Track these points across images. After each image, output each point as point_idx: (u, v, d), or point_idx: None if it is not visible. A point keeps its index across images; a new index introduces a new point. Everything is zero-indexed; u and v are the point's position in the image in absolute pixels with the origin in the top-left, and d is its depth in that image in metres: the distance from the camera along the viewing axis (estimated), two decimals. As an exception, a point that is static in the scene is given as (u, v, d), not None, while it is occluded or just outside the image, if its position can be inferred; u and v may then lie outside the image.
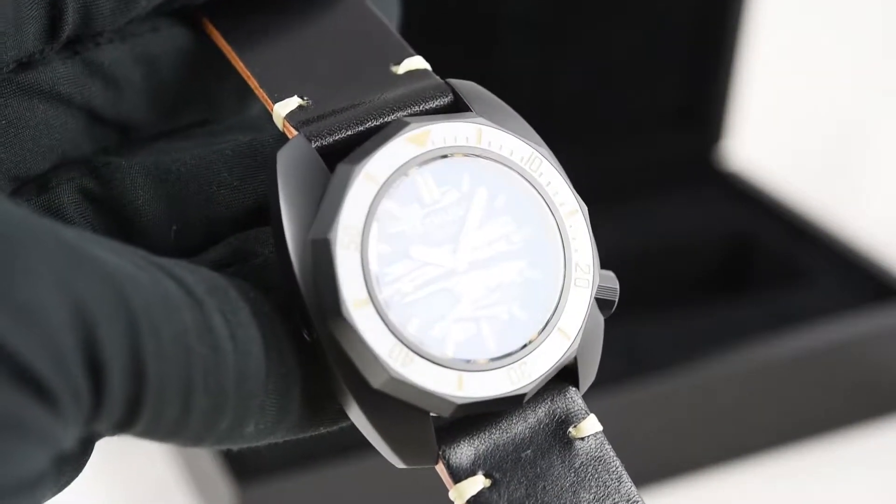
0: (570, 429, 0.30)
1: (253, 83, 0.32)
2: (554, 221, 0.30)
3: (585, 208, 0.30)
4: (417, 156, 0.29)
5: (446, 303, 0.29)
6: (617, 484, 0.30)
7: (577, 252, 0.30)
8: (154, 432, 0.26)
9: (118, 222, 0.31)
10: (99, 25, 0.31)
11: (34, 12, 0.29)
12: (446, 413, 0.28)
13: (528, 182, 0.30)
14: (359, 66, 0.32)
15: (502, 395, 0.29)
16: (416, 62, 0.32)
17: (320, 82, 0.31)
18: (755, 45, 1.00)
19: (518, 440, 0.29)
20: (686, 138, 0.99)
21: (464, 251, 0.29)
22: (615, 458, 0.30)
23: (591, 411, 0.30)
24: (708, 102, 0.98)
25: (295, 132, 0.30)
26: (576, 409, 0.30)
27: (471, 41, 0.89)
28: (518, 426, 0.30)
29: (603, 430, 0.30)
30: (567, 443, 0.30)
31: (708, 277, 0.93)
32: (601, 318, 0.31)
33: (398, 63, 0.32)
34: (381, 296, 0.28)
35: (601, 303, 0.30)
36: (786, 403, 0.78)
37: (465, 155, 0.30)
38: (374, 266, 0.28)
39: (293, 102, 0.31)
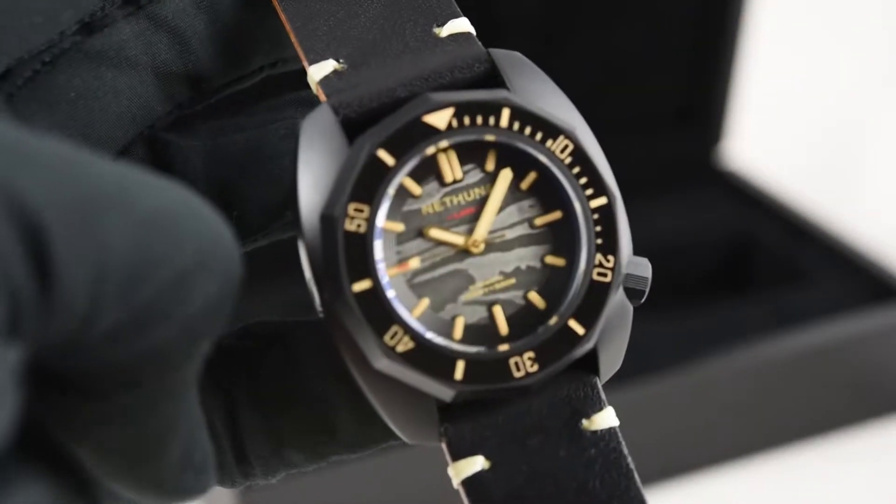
0: (584, 420, 0.28)
1: (293, 38, 0.31)
2: (579, 208, 0.29)
3: (616, 196, 0.29)
4: (437, 135, 0.28)
5: (459, 284, 0.28)
6: (626, 484, 0.28)
7: (600, 241, 0.29)
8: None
9: None
10: None
11: None
12: (446, 398, 0.28)
13: (555, 166, 0.29)
14: (401, 25, 0.30)
15: (504, 387, 0.28)
16: (460, 24, 0.30)
17: (358, 43, 0.30)
18: (755, 45, 1.00)
19: (526, 425, 0.28)
20: (686, 138, 0.99)
21: (481, 233, 0.29)
22: (627, 456, 0.28)
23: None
24: (708, 103, 0.98)
25: (325, 99, 0.29)
26: (593, 399, 0.29)
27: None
28: (529, 410, 0.28)
29: (618, 427, 0.29)
30: (578, 434, 0.28)
31: (708, 277, 0.93)
32: (629, 307, 0.29)
33: (442, 25, 0.30)
34: (388, 275, 0.28)
35: (630, 292, 0.29)
36: (786, 403, 0.78)
37: (491, 137, 0.29)
38: (381, 246, 0.28)
39: (328, 66, 0.30)
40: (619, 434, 0.28)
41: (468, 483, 0.28)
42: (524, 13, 0.90)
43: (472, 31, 0.30)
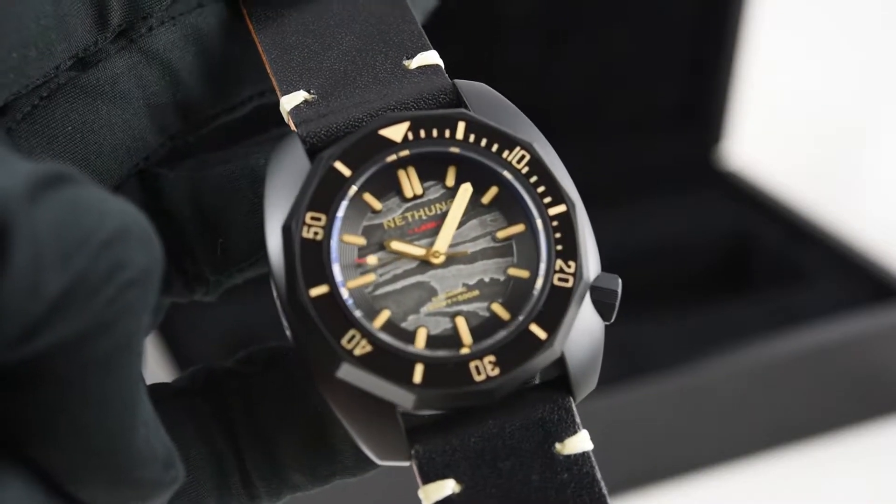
0: (557, 443, 0.28)
1: (268, 70, 0.31)
2: (538, 216, 0.29)
3: (578, 205, 0.29)
4: (393, 147, 0.29)
5: (421, 296, 0.29)
6: None
7: (560, 247, 0.29)
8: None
9: (168, 234, 0.32)
10: (147, 6, 0.31)
11: (77, 4, 0.29)
12: (408, 405, 0.27)
13: (513, 177, 0.29)
14: (372, 58, 0.31)
15: (464, 391, 0.27)
16: (429, 57, 0.31)
17: (330, 74, 0.31)
18: (755, 46, 1.00)
19: (498, 448, 0.28)
20: (686, 139, 0.99)
21: (441, 244, 0.29)
22: (600, 481, 0.28)
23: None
24: (708, 103, 0.99)
25: (294, 128, 0.30)
26: (566, 422, 0.28)
27: (471, 41, 0.89)
28: (501, 433, 0.28)
29: (592, 451, 0.28)
30: (551, 458, 0.28)
31: (707, 277, 0.93)
32: (598, 323, 0.29)
33: (412, 57, 0.31)
34: (347, 286, 0.28)
35: (599, 306, 0.29)
36: (785, 403, 0.78)
37: (451, 152, 0.29)
38: (339, 255, 0.28)
39: (299, 97, 0.30)
40: (593, 458, 0.28)
41: None
42: (525, 14, 0.91)
43: (440, 63, 0.31)
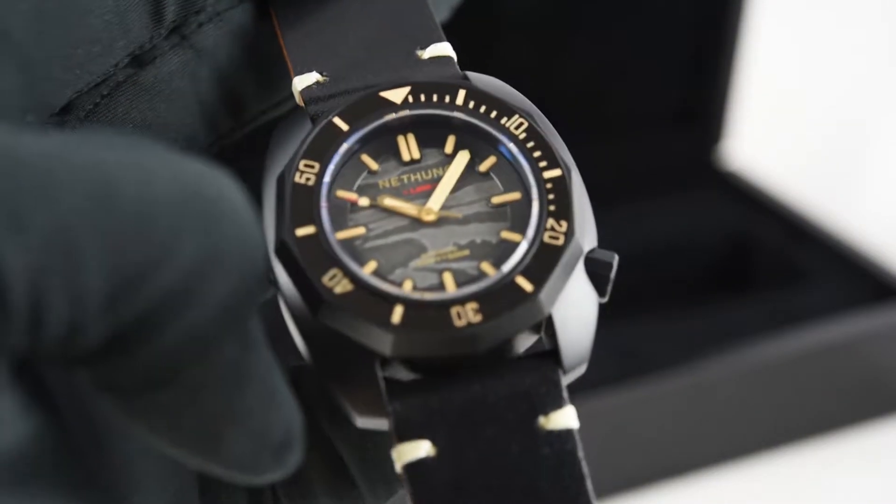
0: (541, 416, 0.27)
1: (284, 52, 0.32)
2: (533, 180, 0.29)
3: (572, 170, 0.29)
4: (393, 108, 0.30)
5: (410, 251, 0.29)
6: (577, 489, 0.27)
7: (553, 207, 0.29)
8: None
9: None
10: (199, 1, 0.31)
11: None
12: (386, 349, 0.27)
13: (511, 141, 0.30)
14: (385, 45, 0.32)
15: (444, 335, 0.27)
16: (442, 49, 0.32)
17: (342, 59, 0.32)
18: (755, 45, 1.00)
19: (480, 414, 0.27)
20: (686, 138, 0.99)
21: (435, 205, 0.29)
22: (581, 460, 0.27)
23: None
24: (708, 102, 0.98)
25: (303, 106, 0.31)
26: (553, 395, 0.27)
27: (471, 40, 0.89)
28: (484, 399, 0.27)
29: (577, 429, 0.27)
30: (533, 431, 0.27)
31: (707, 278, 0.93)
32: (592, 296, 0.29)
33: (425, 47, 0.32)
34: (336, 235, 0.28)
35: (593, 277, 0.28)
36: (786, 403, 0.78)
37: (450, 115, 0.30)
38: (329, 203, 0.28)
39: (311, 78, 0.31)
40: (577, 436, 0.27)
41: (410, 468, 0.27)
42: (524, 13, 0.90)
43: (453, 55, 0.32)
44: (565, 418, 0.27)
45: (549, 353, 0.28)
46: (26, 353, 0.22)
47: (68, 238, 0.21)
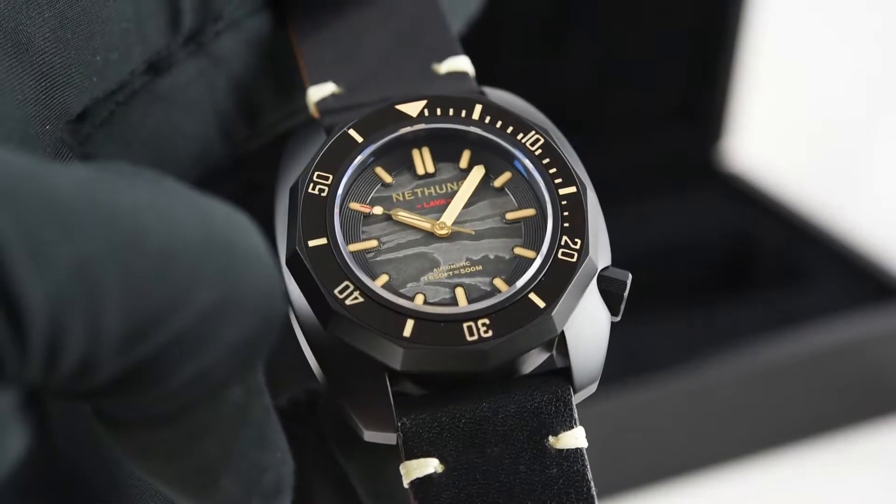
0: (550, 436, 0.27)
1: (300, 62, 0.32)
2: (548, 196, 0.29)
3: (588, 188, 0.29)
4: (408, 121, 0.29)
5: (422, 266, 0.28)
6: None
7: (567, 224, 0.28)
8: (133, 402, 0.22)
9: None
10: (217, 8, 0.31)
11: (153, 4, 0.29)
12: (396, 363, 0.27)
13: (526, 157, 0.29)
14: (402, 58, 0.32)
15: (455, 348, 0.26)
16: (459, 63, 0.32)
17: (359, 70, 0.31)
18: (756, 45, 0.99)
19: (488, 432, 0.27)
20: (686, 138, 0.99)
21: (449, 219, 0.29)
22: (590, 481, 0.27)
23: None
24: (708, 102, 0.98)
25: (317, 117, 0.31)
26: (564, 415, 0.27)
27: (471, 41, 0.89)
28: (494, 417, 0.27)
29: (586, 449, 0.27)
30: (542, 450, 0.27)
31: (708, 277, 0.93)
32: (605, 315, 0.28)
33: (441, 60, 0.32)
34: (348, 248, 0.28)
35: (606, 296, 0.28)
36: (786, 403, 0.77)
37: (466, 130, 0.29)
38: (342, 215, 0.28)
39: (327, 89, 0.31)
40: (586, 456, 0.27)
41: (417, 484, 0.27)
42: (524, 13, 0.90)
43: (470, 70, 0.32)
44: (575, 438, 0.27)
45: (560, 372, 0.28)
46: (36, 387, 0.22)
47: (91, 277, 0.21)
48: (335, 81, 0.31)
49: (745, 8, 0.95)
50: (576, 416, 0.27)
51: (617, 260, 0.29)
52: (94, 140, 0.30)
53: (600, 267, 0.29)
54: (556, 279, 0.28)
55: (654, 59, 0.97)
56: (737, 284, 0.92)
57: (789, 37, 1.14)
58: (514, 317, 0.27)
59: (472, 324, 0.27)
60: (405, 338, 0.27)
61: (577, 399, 0.28)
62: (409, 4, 0.33)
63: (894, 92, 1.14)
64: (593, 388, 0.29)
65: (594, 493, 0.27)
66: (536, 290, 0.27)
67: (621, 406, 0.72)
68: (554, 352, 0.28)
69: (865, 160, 1.11)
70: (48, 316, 0.20)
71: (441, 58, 0.32)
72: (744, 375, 0.75)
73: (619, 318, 0.29)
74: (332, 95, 0.31)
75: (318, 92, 0.31)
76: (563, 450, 0.27)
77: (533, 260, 0.28)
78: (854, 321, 0.78)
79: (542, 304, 0.27)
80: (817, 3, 1.16)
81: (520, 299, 0.27)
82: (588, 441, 0.28)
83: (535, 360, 0.28)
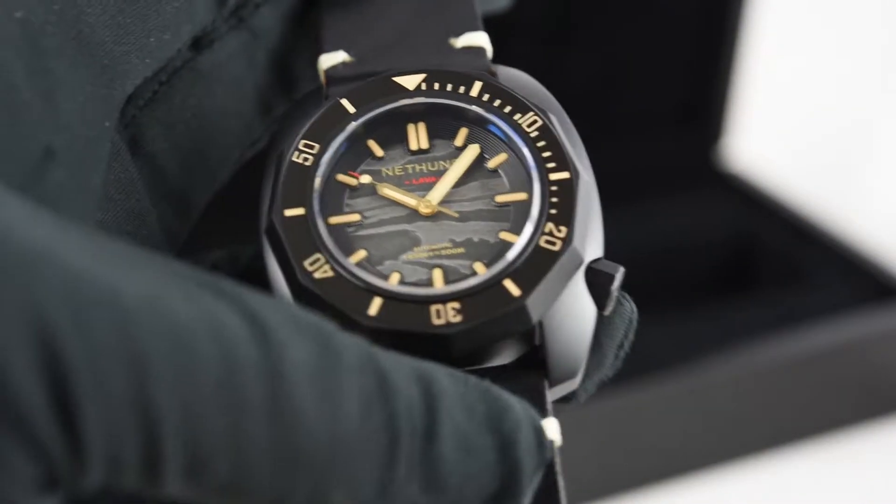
0: None
1: (319, 30, 0.31)
2: (538, 180, 0.28)
3: (582, 176, 0.28)
4: (404, 94, 0.29)
5: (403, 243, 0.28)
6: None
7: (554, 211, 0.27)
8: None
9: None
10: None
11: None
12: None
13: (520, 139, 0.28)
14: (419, 30, 0.31)
15: (420, 331, 0.25)
16: (475, 38, 0.31)
17: (374, 40, 0.31)
18: (756, 45, 0.99)
19: None
20: (687, 138, 0.99)
21: (435, 196, 0.28)
22: (558, 473, 0.25)
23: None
24: (709, 102, 0.98)
25: (324, 85, 0.30)
26: (535, 405, 0.26)
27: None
28: None
29: (560, 445, 0.26)
30: None
31: (709, 278, 0.93)
32: (590, 309, 0.27)
33: (459, 35, 0.31)
34: (328, 220, 0.27)
35: (592, 289, 0.27)
36: (787, 404, 0.77)
37: (462, 106, 0.29)
38: (324, 187, 0.28)
39: (338, 57, 0.30)
40: (556, 450, 0.26)
41: None
42: (526, 13, 0.90)
43: (486, 46, 0.31)
44: (547, 430, 0.25)
45: (536, 364, 0.27)
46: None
47: (149, 406, 0.20)
48: (347, 50, 0.30)
49: (745, 8, 0.95)
50: (549, 407, 0.26)
51: (616, 259, 0.29)
52: (138, 122, 0.29)
53: (588, 259, 0.27)
54: (535, 267, 0.26)
55: (654, 59, 0.97)
56: (737, 284, 0.92)
57: (790, 37, 1.14)
58: (486, 303, 0.26)
59: (440, 307, 0.26)
60: (369, 316, 0.26)
61: (554, 394, 0.27)
62: None
63: (895, 92, 1.14)
64: (573, 383, 0.27)
65: (561, 485, 0.25)
66: (512, 277, 0.26)
67: (621, 406, 0.72)
68: (535, 343, 0.27)
69: (866, 160, 1.11)
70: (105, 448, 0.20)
71: (459, 32, 0.31)
72: (744, 375, 0.75)
73: (607, 313, 0.28)
74: (343, 64, 0.30)
75: (329, 60, 0.30)
76: None
77: (513, 245, 0.27)
78: (854, 321, 0.78)
79: (516, 293, 0.26)
80: (818, 3, 1.16)
81: (494, 285, 0.26)
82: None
83: (511, 350, 0.27)
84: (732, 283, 0.93)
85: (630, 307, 0.28)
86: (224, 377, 0.20)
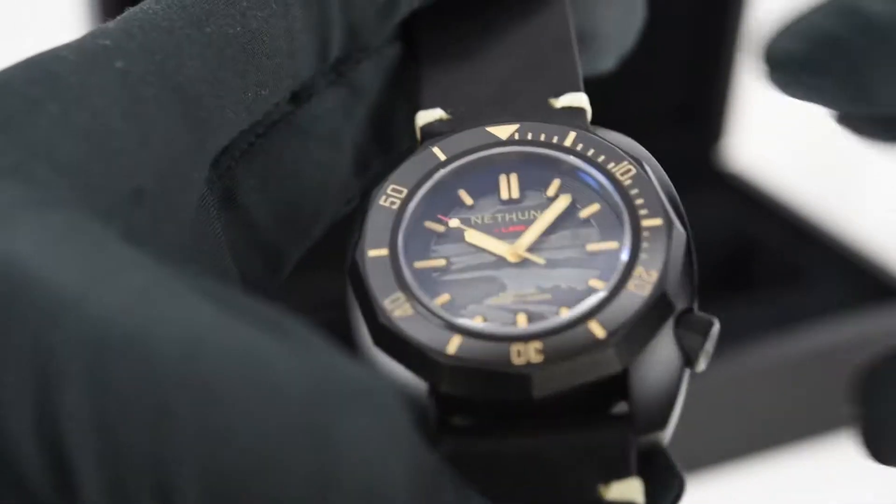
0: (601, 484, 0.24)
1: (418, 85, 0.31)
2: (629, 231, 0.27)
3: (675, 225, 0.27)
4: (497, 142, 0.28)
5: (488, 289, 0.27)
6: None
7: (645, 255, 0.26)
8: None
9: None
10: (363, 39, 0.29)
11: (305, 37, 0.28)
12: (437, 381, 0.25)
13: (617, 192, 0.28)
14: (519, 88, 0.30)
15: (498, 370, 0.25)
16: (576, 99, 0.30)
17: (472, 99, 0.30)
18: (755, 45, 0.99)
19: (532, 471, 0.25)
20: (686, 138, 0.99)
21: (523, 243, 0.27)
22: None
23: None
24: (708, 102, 0.98)
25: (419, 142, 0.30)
26: (620, 461, 0.24)
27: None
28: (538, 454, 0.25)
29: None
30: (590, 498, 0.24)
31: (708, 278, 0.92)
32: (677, 361, 0.26)
33: (559, 95, 0.30)
34: (413, 265, 0.27)
35: (681, 340, 0.26)
36: (787, 404, 0.77)
37: (555, 155, 0.28)
38: (411, 230, 0.27)
39: (435, 114, 0.30)
40: None
41: None
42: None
43: (587, 107, 0.30)
44: (629, 490, 0.24)
45: (623, 416, 0.25)
46: None
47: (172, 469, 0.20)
48: (444, 108, 0.30)
49: (745, 8, 0.95)
50: (633, 465, 0.25)
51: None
52: (233, 173, 0.28)
53: (679, 308, 0.26)
54: (623, 310, 0.25)
55: (654, 58, 0.97)
56: (736, 284, 0.92)
57: (789, 37, 1.13)
58: (570, 344, 0.25)
59: (522, 346, 0.25)
60: (448, 354, 0.25)
61: (642, 446, 0.26)
62: (539, 34, 0.31)
63: (894, 92, 1.14)
64: (663, 437, 0.26)
65: None
66: (598, 319, 0.25)
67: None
68: (621, 392, 0.26)
69: (866, 160, 1.11)
70: None
71: (560, 92, 0.30)
72: (743, 375, 0.75)
73: (698, 370, 0.26)
74: (439, 120, 0.30)
75: (426, 117, 0.30)
76: (613, 502, 0.24)
77: (601, 289, 0.26)
78: (854, 321, 0.78)
79: (601, 334, 0.25)
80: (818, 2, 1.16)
81: (578, 326, 0.25)
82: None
83: (597, 398, 0.26)
84: (731, 282, 0.92)
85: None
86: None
